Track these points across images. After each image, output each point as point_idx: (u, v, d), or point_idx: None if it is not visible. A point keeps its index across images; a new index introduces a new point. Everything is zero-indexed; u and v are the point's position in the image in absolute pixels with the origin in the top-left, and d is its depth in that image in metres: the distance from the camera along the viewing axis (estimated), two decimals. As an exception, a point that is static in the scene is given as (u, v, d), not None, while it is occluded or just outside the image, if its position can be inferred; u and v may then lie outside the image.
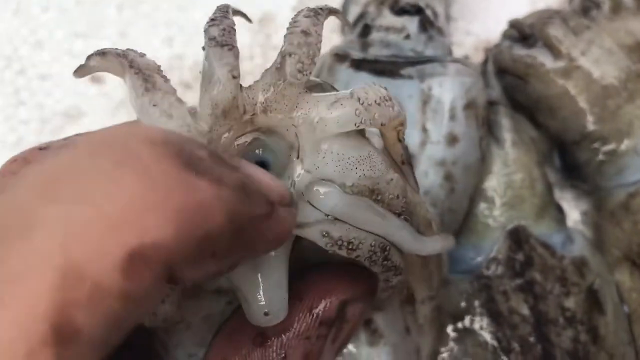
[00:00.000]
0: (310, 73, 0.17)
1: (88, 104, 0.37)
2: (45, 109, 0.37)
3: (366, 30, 0.32)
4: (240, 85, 0.17)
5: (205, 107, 0.17)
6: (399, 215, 0.19)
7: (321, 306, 0.19)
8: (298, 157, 0.17)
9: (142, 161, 0.12)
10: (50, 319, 0.11)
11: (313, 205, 0.17)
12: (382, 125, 0.18)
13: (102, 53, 0.18)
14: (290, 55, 0.17)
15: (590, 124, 0.32)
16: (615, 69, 0.32)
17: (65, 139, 0.20)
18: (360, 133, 0.18)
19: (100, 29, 0.38)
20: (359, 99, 0.17)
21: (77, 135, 0.20)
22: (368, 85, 0.18)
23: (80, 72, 0.19)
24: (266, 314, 0.17)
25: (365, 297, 0.20)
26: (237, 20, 0.38)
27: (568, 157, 0.34)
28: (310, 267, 0.20)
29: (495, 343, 0.30)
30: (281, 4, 0.38)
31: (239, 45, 0.19)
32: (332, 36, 0.36)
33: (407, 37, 0.31)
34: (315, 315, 0.19)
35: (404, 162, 0.20)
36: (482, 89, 0.31)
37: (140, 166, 0.12)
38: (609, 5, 0.34)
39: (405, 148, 0.20)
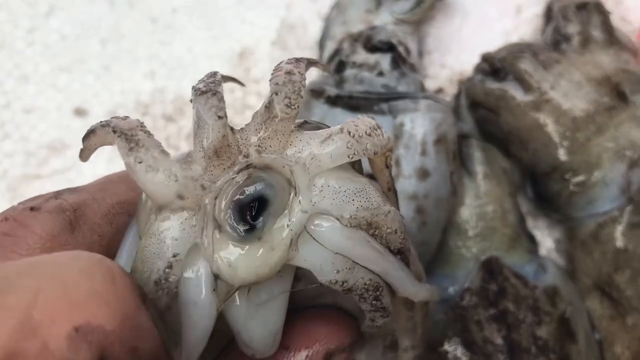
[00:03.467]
0: (298, 107, 0.18)
1: (72, 136, 0.38)
2: (30, 142, 0.38)
3: (341, 67, 0.33)
4: (232, 128, 0.18)
5: (197, 151, 0.17)
6: (396, 253, 0.19)
7: (307, 355, 0.20)
8: (296, 195, 0.17)
9: (112, 271, 0.15)
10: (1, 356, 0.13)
11: (315, 240, 0.17)
12: (374, 154, 0.18)
13: (91, 131, 0.18)
14: (277, 93, 0.17)
15: (561, 156, 0.33)
16: (584, 102, 0.33)
17: (55, 193, 0.20)
18: (354, 167, 0.19)
19: (83, 63, 0.39)
20: (349, 133, 0.17)
21: (67, 189, 0.21)
22: (357, 118, 0.18)
23: (83, 155, 0.20)
24: (249, 348, 0.18)
25: (349, 346, 0.21)
26: (217, 51, 0.39)
27: (540, 187, 0.35)
28: (295, 311, 0.20)
29: None
30: (260, 38, 0.38)
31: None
32: (310, 71, 0.37)
33: (380, 73, 0.32)
34: None
35: (390, 189, 0.20)
36: (453, 124, 0.32)
37: (109, 274, 0.15)
38: (579, 39, 0.35)
39: (391, 175, 0.20)
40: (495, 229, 0.33)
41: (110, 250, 0.21)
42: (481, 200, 0.33)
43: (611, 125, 0.33)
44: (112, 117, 0.18)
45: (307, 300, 0.21)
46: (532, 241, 0.34)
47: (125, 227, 0.21)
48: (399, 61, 0.32)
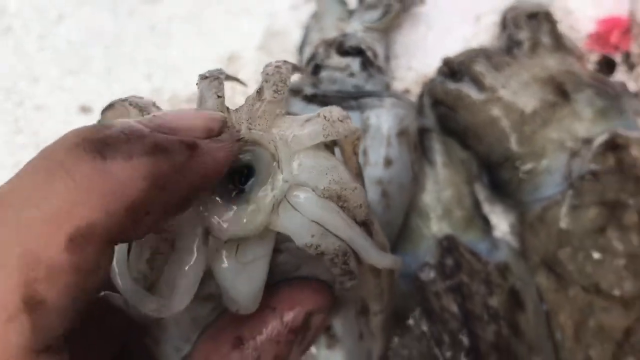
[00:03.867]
0: (284, 93, 0.20)
1: (78, 132, 0.42)
2: (40, 136, 0.42)
3: (317, 69, 0.37)
4: (228, 108, 0.20)
5: None
6: (361, 225, 0.21)
7: (291, 315, 0.22)
8: (279, 167, 0.20)
9: (64, 166, 0.15)
10: (19, 293, 0.14)
11: (295, 208, 0.19)
12: (345, 137, 0.20)
13: (110, 105, 0.21)
14: (267, 81, 0.20)
15: (511, 147, 0.37)
16: (531, 99, 0.37)
17: None
18: (329, 149, 0.21)
19: (88, 66, 0.43)
20: (325, 117, 0.20)
21: None
22: (331, 107, 0.21)
23: None
24: (235, 303, 0.20)
25: (326, 308, 0.23)
26: (208, 56, 0.43)
27: (494, 176, 0.38)
28: (279, 282, 0.23)
29: (429, 337, 0.34)
30: (247, 45, 0.42)
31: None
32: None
33: (351, 74, 0.36)
34: (285, 323, 0.22)
35: (358, 174, 0.22)
36: (414, 119, 0.36)
37: (63, 171, 0.15)
38: (528, 44, 0.39)
39: (358, 162, 0.22)
40: (452, 211, 0.37)
41: None
42: (440, 186, 0.37)
43: (555, 120, 0.36)
44: (130, 96, 0.21)
45: (289, 272, 0.23)
46: (487, 223, 0.38)
47: None
48: (367, 64, 0.37)
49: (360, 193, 0.21)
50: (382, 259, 0.22)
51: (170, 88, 0.42)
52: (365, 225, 0.21)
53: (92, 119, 0.42)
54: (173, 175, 0.16)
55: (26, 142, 0.42)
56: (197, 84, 0.20)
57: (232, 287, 0.20)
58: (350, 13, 0.39)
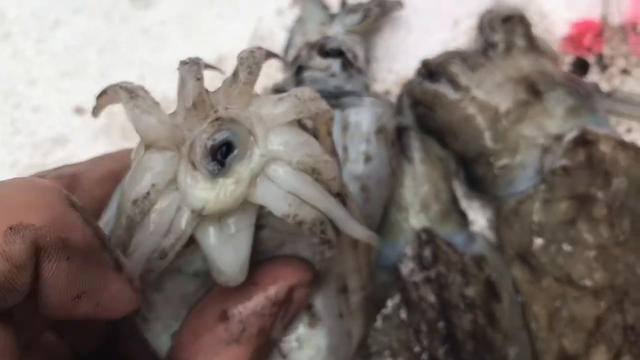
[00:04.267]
0: (257, 74, 0.21)
1: (73, 132, 0.43)
2: (37, 136, 0.44)
3: (300, 70, 0.39)
4: (207, 90, 0.21)
5: (180, 105, 0.21)
6: (336, 196, 0.22)
7: (274, 290, 0.23)
8: (255, 142, 0.21)
9: (43, 186, 0.18)
10: None
11: (271, 181, 0.21)
12: (316, 114, 0.21)
13: (103, 92, 0.22)
14: (241, 64, 0.21)
15: (486, 144, 0.38)
16: (504, 98, 0.38)
17: (57, 167, 0.26)
18: (301, 126, 0.22)
19: (84, 69, 0.45)
20: (296, 96, 0.21)
21: (66, 165, 0.26)
22: (303, 87, 0.22)
23: (95, 111, 0.24)
24: (221, 274, 0.21)
25: (308, 283, 0.24)
26: (198, 55, 0.44)
27: (470, 172, 0.40)
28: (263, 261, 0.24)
29: (407, 325, 0.35)
30: (235, 47, 0.43)
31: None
32: (276, 74, 0.43)
33: (332, 75, 0.38)
34: (269, 297, 0.23)
35: (332, 152, 0.23)
36: (392, 117, 0.37)
37: (41, 188, 0.18)
38: (503, 46, 0.41)
39: (333, 141, 0.24)
40: (430, 206, 0.38)
41: (100, 208, 0.26)
42: (418, 181, 0.38)
43: (527, 117, 0.38)
44: (122, 81, 0.22)
45: (272, 251, 0.24)
46: (464, 217, 0.39)
47: (113, 191, 0.25)
48: (347, 65, 0.38)
49: (333, 166, 0.22)
50: (357, 229, 0.23)
51: (161, 89, 0.43)
52: (339, 196, 0.22)
53: (86, 119, 0.44)
54: (96, 265, 0.19)
55: (24, 142, 0.44)
56: (177, 69, 0.21)
57: (218, 258, 0.21)
58: (332, 17, 0.41)
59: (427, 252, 0.36)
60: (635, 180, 0.37)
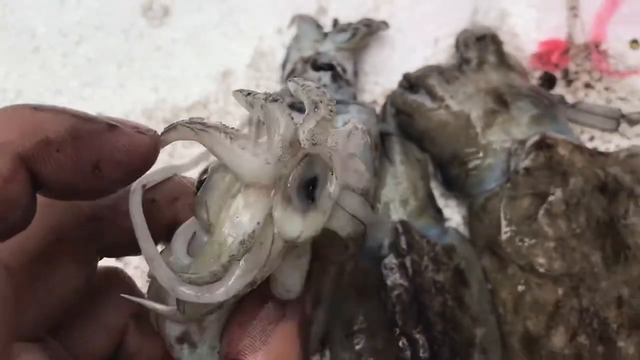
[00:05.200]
0: (335, 113, 0.22)
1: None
2: (62, 141, 0.49)
3: (294, 81, 0.44)
4: (295, 123, 0.21)
5: (275, 143, 0.20)
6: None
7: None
8: (333, 174, 0.21)
9: (7, 110, 0.18)
10: None
11: (340, 206, 0.21)
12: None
13: (173, 127, 0.22)
14: (321, 101, 0.21)
15: (459, 148, 0.42)
16: (475, 107, 0.43)
17: None
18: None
19: (104, 80, 0.49)
20: (361, 129, 0.22)
21: None
22: (355, 120, 0.23)
23: (161, 145, 0.22)
24: (288, 292, 0.23)
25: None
26: (205, 72, 0.50)
27: (446, 173, 0.43)
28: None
29: (384, 306, 0.38)
30: (238, 62, 0.49)
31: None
32: (275, 86, 0.48)
33: (324, 86, 0.43)
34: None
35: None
36: (376, 123, 0.42)
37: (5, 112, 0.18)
38: (475, 62, 0.45)
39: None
40: (408, 201, 0.42)
41: None
42: (398, 179, 0.43)
43: (495, 124, 0.42)
44: (191, 118, 0.22)
45: None
46: (439, 213, 0.43)
47: None
48: (337, 77, 0.43)
49: (370, 183, 0.23)
50: (374, 219, 0.24)
51: (172, 99, 0.48)
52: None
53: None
54: (89, 136, 0.19)
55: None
56: (260, 106, 0.21)
57: (286, 280, 0.22)
58: (325, 35, 0.46)
59: (402, 242, 0.39)
60: (589, 180, 0.40)
